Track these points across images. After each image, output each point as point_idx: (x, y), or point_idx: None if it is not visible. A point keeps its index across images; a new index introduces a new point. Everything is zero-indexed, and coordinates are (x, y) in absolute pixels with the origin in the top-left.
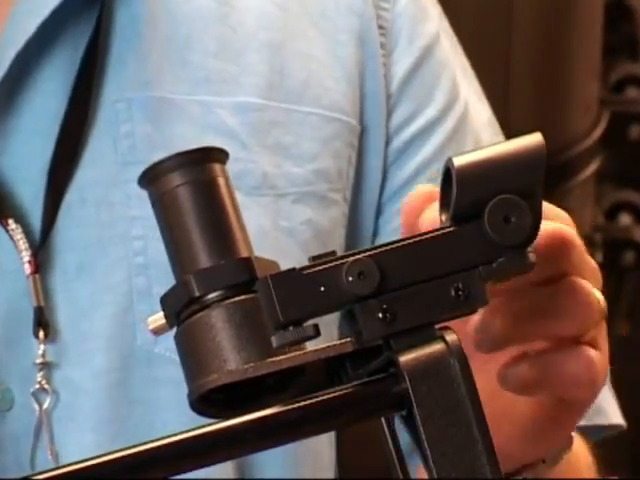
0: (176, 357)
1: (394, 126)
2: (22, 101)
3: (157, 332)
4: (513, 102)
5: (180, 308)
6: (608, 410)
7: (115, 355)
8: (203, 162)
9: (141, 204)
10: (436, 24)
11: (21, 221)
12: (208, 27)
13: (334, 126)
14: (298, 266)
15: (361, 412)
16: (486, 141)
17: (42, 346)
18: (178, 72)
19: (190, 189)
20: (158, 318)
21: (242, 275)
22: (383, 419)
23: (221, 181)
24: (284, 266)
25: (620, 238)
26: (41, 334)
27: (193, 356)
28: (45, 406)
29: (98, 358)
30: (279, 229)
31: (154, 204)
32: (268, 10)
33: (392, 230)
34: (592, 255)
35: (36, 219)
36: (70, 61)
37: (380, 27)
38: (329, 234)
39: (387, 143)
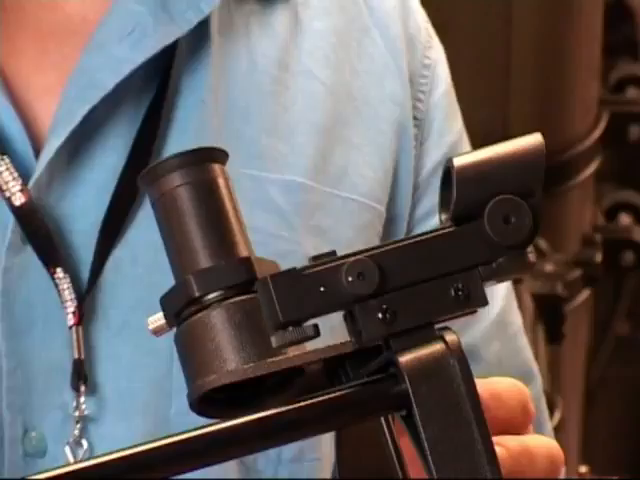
0: None
1: (418, 216)
2: (85, 154)
3: (157, 332)
4: (513, 102)
5: (180, 308)
6: None
7: (150, 420)
8: (203, 162)
9: None
10: (461, 121)
11: (69, 271)
12: (263, 102)
13: (368, 214)
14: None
15: (361, 412)
16: None
17: (80, 399)
18: (234, 144)
19: (190, 189)
20: (158, 318)
21: (242, 275)
22: (383, 419)
23: (221, 181)
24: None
25: (620, 238)
26: (80, 387)
27: (193, 356)
28: (79, 458)
29: (135, 419)
30: None
31: (154, 204)
32: (318, 92)
33: None
34: (592, 255)
35: (84, 272)
36: (134, 118)
37: (414, 118)
38: None
39: (408, 233)
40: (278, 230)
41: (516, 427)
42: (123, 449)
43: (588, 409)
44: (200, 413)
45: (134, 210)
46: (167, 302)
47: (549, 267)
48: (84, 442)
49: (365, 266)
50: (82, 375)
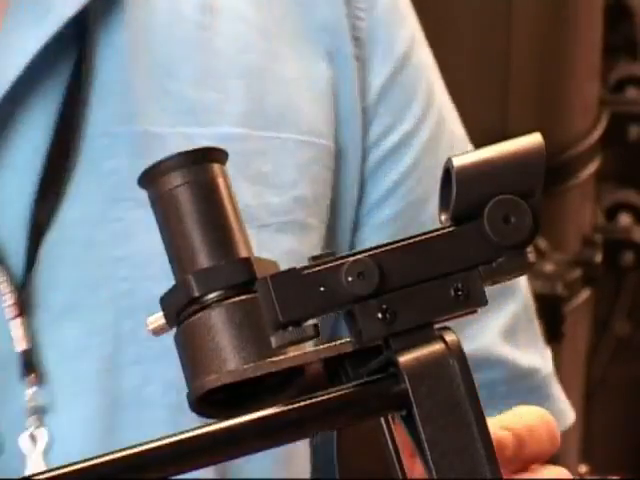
0: (165, 399)
1: (371, 139)
2: (8, 138)
3: (157, 332)
4: (513, 102)
5: (180, 308)
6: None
7: (104, 399)
8: (203, 162)
9: (127, 243)
10: (412, 27)
11: (4, 262)
12: (189, 54)
13: (311, 150)
14: None
15: (360, 412)
16: (460, 142)
17: (31, 390)
18: (161, 103)
19: (190, 189)
20: (158, 318)
21: (242, 275)
22: (382, 419)
23: (221, 181)
24: None
25: (620, 238)
26: (29, 378)
27: (192, 356)
28: (35, 450)
29: (88, 401)
30: None
31: (154, 204)
32: (248, 33)
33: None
34: (592, 255)
35: (20, 260)
36: (54, 95)
37: (355, 38)
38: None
39: (364, 157)
40: None
41: (544, 458)
42: (123, 449)
43: (588, 409)
44: (200, 413)
45: (64, 188)
46: (167, 302)
47: (549, 267)
48: (44, 432)
49: (365, 266)
50: (31, 366)
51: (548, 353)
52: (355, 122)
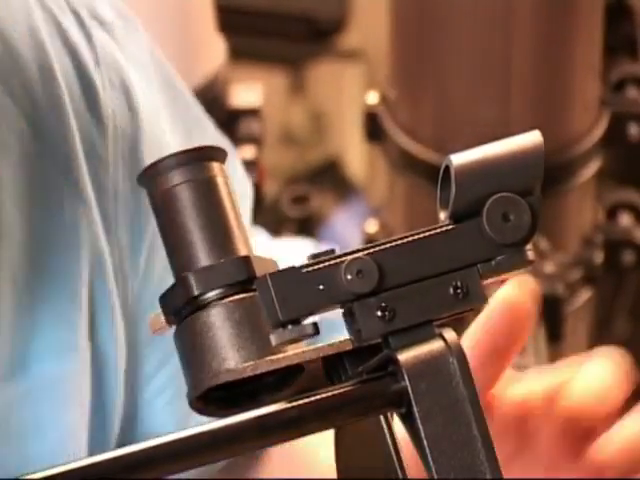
0: None
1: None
2: None
3: (156, 331)
4: (514, 102)
5: (179, 307)
6: None
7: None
8: (202, 161)
9: None
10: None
11: None
12: None
13: None
14: None
15: (360, 410)
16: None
17: None
18: None
19: (189, 188)
20: (157, 317)
21: (241, 273)
22: (382, 417)
23: (220, 180)
24: None
25: (620, 238)
26: None
27: (192, 354)
28: None
29: None
30: None
31: (153, 202)
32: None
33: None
34: (593, 255)
35: None
36: None
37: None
38: None
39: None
40: None
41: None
42: (122, 448)
43: None
44: (199, 411)
45: None
46: (166, 300)
47: (549, 267)
48: None
49: (364, 264)
50: None
51: None
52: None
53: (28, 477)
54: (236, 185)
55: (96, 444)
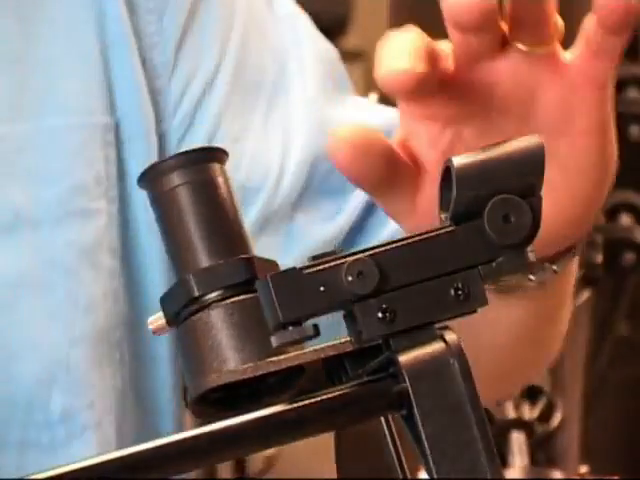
0: None
1: (177, 94)
2: None
3: (157, 332)
4: None
5: (180, 308)
6: None
7: None
8: (203, 162)
9: None
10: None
11: None
12: None
13: (82, 133)
14: (65, 294)
15: (361, 412)
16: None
17: None
18: None
19: (190, 189)
20: (158, 318)
21: (242, 275)
22: (383, 419)
23: (220, 181)
24: (52, 300)
25: (620, 238)
26: None
27: (192, 356)
28: None
29: None
30: (41, 262)
31: (154, 204)
32: (4, 23)
33: None
34: (593, 255)
35: None
36: None
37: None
38: (96, 246)
39: (162, 117)
40: None
41: None
42: (122, 449)
43: (588, 409)
44: (200, 412)
45: None
46: (167, 301)
47: None
48: None
49: (365, 265)
50: None
51: None
52: (137, 85)
53: (33, 477)
54: None
55: None
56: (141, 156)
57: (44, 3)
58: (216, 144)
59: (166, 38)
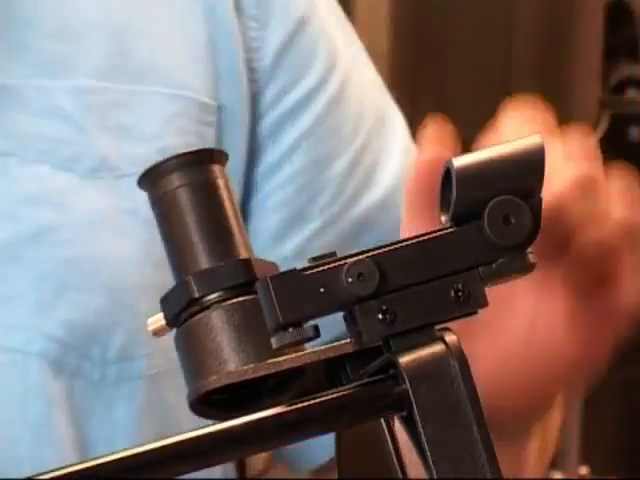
0: None
1: (269, 100)
2: None
3: (157, 333)
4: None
5: (180, 309)
6: None
7: None
8: (203, 163)
9: None
10: None
11: None
12: (48, 9)
13: (179, 104)
14: (140, 244)
15: (361, 413)
16: (370, 103)
17: None
18: (16, 56)
19: (190, 190)
20: (158, 319)
21: (242, 276)
22: (383, 420)
23: (221, 182)
24: (127, 244)
25: None
26: None
27: (193, 357)
28: None
29: None
30: (120, 210)
31: (154, 205)
32: None
33: (272, 206)
34: None
35: None
36: None
37: None
38: None
39: (260, 118)
40: (66, 136)
41: None
42: (122, 450)
43: (588, 409)
44: (199, 414)
45: None
46: (167, 303)
47: None
48: None
49: (365, 267)
50: None
51: None
52: (239, 79)
53: (39, 477)
54: None
55: None
56: (236, 147)
57: None
58: (295, 162)
59: (267, 47)
